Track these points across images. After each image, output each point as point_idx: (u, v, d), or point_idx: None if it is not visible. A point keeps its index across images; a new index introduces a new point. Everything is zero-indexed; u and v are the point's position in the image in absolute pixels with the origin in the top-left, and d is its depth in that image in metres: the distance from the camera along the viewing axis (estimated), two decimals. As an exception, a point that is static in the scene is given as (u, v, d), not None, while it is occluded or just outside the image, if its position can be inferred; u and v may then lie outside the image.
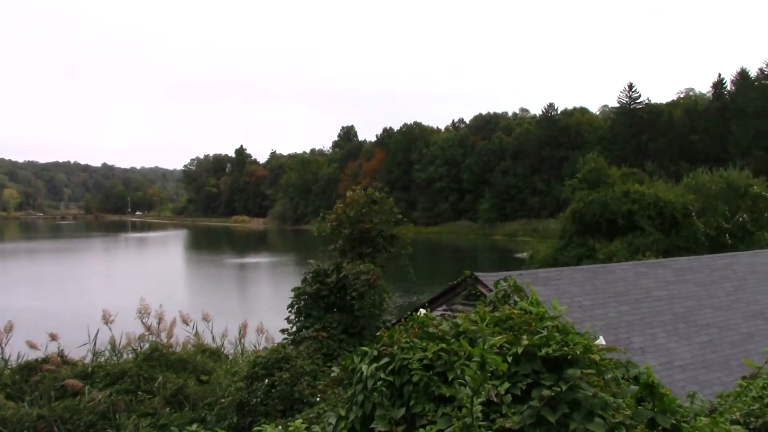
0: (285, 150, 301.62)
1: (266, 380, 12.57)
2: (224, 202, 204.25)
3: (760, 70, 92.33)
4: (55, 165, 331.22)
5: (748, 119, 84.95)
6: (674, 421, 3.97)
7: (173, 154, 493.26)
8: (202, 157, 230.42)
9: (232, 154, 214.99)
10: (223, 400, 13.43)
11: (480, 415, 3.49)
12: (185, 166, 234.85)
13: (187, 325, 21.04)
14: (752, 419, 6.74)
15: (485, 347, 3.55)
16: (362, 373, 4.29)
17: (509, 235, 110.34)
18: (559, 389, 3.69)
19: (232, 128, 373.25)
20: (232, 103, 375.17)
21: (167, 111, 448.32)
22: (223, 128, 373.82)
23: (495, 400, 3.57)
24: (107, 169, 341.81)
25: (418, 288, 42.52)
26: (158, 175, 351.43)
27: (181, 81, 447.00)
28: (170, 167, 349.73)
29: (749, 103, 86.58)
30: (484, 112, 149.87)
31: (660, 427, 3.95)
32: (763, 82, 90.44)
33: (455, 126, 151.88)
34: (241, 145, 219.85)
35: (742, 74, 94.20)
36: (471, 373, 3.45)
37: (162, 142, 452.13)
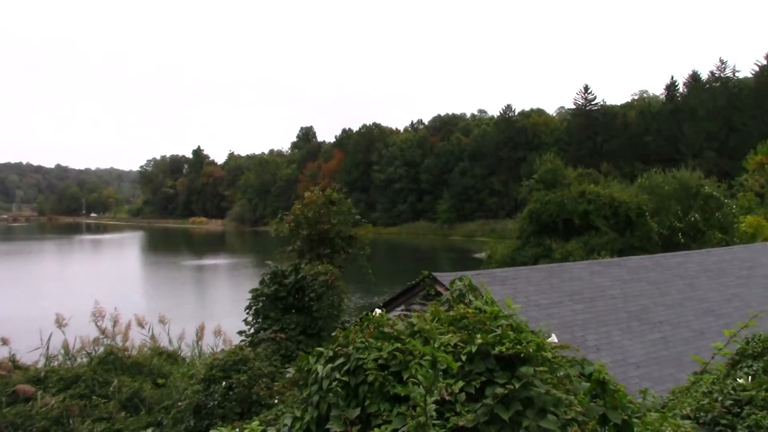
0: (243, 151, 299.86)
1: (223, 383, 12.46)
2: (181, 204, 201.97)
3: (711, 72, 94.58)
4: (7, 166, 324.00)
5: (700, 121, 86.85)
6: (625, 417, 4.03)
7: (129, 155, 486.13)
8: (158, 158, 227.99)
9: (189, 154, 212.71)
10: (179, 404, 13.27)
11: (434, 413, 3.50)
12: (141, 167, 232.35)
13: (143, 328, 20.76)
14: (702, 414, 6.89)
15: (436, 346, 3.57)
16: (317, 373, 4.28)
17: (468, 235, 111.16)
18: (512, 387, 3.73)
19: (189, 129, 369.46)
20: (189, 103, 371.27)
21: (123, 111, 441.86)
22: (180, 129, 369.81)
23: (446, 398, 3.58)
24: (61, 170, 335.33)
25: (378, 288, 42.55)
26: (114, 176, 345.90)
27: (137, 81, 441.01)
28: (126, 168, 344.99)
29: (701, 105, 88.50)
30: (442, 113, 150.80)
31: (611, 423, 4.01)
32: (713, 84, 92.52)
33: (414, 127, 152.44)
34: (199, 146, 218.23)
35: (694, 77, 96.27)
36: (423, 372, 3.47)
37: (118, 142, 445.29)
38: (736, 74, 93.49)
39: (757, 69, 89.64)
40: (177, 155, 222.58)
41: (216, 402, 12.29)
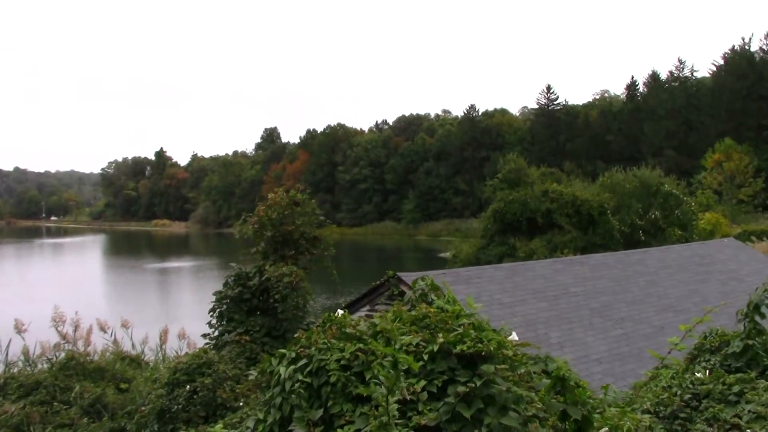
0: (207, 152, 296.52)
1: (188, 386, 12.33)
2: (144, 206, 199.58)
3: (670, 72, 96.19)
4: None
5: (660, 120, 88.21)
6: (585, 412, 4.09)
7: (90, 157, 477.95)
8: (120, 159, 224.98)
9: (151, 156, 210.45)
10: (143, 408, 13.11)
11: (396, 413, 3.52)
12: (103, 169, 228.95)
13: (105, 332, 20.48)
14: (661, 408, 7.01)
15: (397, 346, 3.59)
16: (280, 375, 4.27)
17: (433, 235, 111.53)
18: (473, 385, 3.76)
19: (152, 130, 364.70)
20: (151, 104, 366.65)
21: (83, 113, 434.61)
22: (142, 130, 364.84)
23: (408, 397, 3.61)
24: (20, 173, 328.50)
25: (344, 289, 42.53)
26: (74, 179, 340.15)
27: (97, 82, 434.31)
28: (87, 171, 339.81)
29: (660, 105, 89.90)
30: (407, 114, 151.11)
31: (572, 419, 4.07)
32: (672, 84, 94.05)
33: (379, 127, 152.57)
34: (161, 148, 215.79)
35: (654, 77, 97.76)
36: (385, 372, 3.49)
37: (78, 144, 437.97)
38: (695, 74, 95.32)
39: (714, 69, 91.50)
40: (139, 157, 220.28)
41: (180, 406, 12.16)
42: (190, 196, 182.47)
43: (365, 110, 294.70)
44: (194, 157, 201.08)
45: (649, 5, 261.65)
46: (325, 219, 19.76)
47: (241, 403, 11.90)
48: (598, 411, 4.73)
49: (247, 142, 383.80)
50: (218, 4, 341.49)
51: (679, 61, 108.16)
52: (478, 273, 16.16)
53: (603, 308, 15.81)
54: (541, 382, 4.19)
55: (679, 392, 7.20)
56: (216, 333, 16.13)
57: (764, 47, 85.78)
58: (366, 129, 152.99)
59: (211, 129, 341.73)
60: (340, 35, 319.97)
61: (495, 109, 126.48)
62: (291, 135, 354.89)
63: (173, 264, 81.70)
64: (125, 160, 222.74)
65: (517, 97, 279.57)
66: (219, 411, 12.05)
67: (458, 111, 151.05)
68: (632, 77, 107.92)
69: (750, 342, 8.10)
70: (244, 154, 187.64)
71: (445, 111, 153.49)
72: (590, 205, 34.75)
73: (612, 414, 4.53)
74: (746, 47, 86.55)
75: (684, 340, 5.88)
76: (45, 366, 17.62)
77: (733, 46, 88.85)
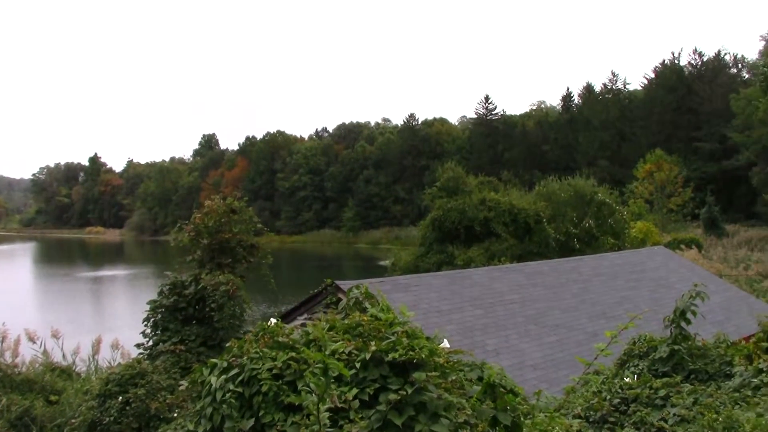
0: (143, 158, 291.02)
1: (120, 397, 12.07)
2: (77, 213, 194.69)
3: (604, 85, 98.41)
4: None
5: (594, 131, 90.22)
6: (514, 418, 4.15)
7: (20, 163, 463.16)
8: (52, 165, 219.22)
9: (85, 162, 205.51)
10: (73, 421, 12.77)
11: (327, 421, 3.52)
12: (34, 175, 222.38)
13: (34, 343, 19.85)
14: (591, 413, 7.17)
15: (327, 353, 3.59)
16: (211, 385, 4.22)
17: (372, 242, 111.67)
18: (405, 393, 3.79)
19: (85, 135, 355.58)
20: (85, 108, 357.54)
21: (13, 116, 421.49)
22: (75, 135, 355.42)
23: (337, 405, 3.60)
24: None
25: (284, 297, 42.26)
26: (3, 184, 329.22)
27: (28, 84, 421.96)
28: (17, 176, 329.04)
29: (595, 116, 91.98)
30: (347, 121, 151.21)
31: (502, 424, 4.13)
32: (606, 96, 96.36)
33: (318, 135, 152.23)
34: (95, 153, 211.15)
35: (588, 89, 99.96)
36: (315, 380, 3.48)
37: (7, 149, 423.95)
38: (627, 87, 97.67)
39: (645, 82, 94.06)
40: (72, 162, 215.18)
41: (112, 418, 11.89)
42: (125, 203, 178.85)
43: (305, 117, 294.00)
44: (130, 163, 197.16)
45: (584, 19, 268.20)
46: (263, 227, 19.63)
47: (175, 414, 11.71)
48: (528, 417, 4.81)
49: (185, 149, 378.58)
50: (154, 7, 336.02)
51: (613, 73, 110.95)
52: (416, 281, 16.27)
53: (538, 315, 16.08)
54: (472, 389, 4.24)
55: (608, 397, 7.38)
56: (150, 343, 15.85)
57: (693, 62, 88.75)
58: (306, 136, 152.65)
59: (147, 134, 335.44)
60: (279, 42, 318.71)
61: (434, 118, 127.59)
62: (230, 141, 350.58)
63: (107, 272, 79.84)
64: (57, 165, 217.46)
65: (456, 107, 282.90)
66: (152, 422, 11.83)
67: (398, 119, 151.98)
68: (568, 89, 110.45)
69: (676, 347, 8.36)
70: (181, 161, 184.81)
71: (385, 119, 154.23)
72: (527, 213, 35.29)
73: (541, 419, 4.61)
74: (676, 61, 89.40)
75: (610, 346, 6.02)
76: (-31, 378, 16.97)
77: (664, 61, 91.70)
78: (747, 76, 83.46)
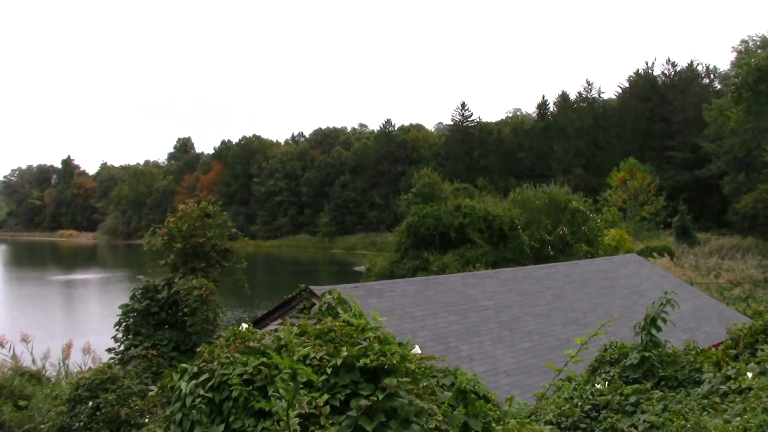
0: (117, 161, 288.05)
1: (90, 403, 11.94)
2: (49, 216, 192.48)
3: (579, 93, 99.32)
4: None
5: (569, 139, 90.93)
6: (485, 424, 4.17)
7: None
8: (24, 167, 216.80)
9: (57, 164, 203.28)
10: (42, 426, 12.64)
11: (297, 427, 3.50)
12: (5, 176, 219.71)
13: (3, 347, 19.58)
14: (563, 419, 7.22)
15: (296, 359, 3.58)
16: (181, 390, 4.19)
17: (348, 248, 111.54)
18: (376, 398, 3.78)
19: (58, 137, 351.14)
20: (58, 110, 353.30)
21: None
22: (48, 137, 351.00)
23: (306, 410, 3.59)
24: None
25: (258, 302, 42.11)
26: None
27: None
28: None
29: (569, 124, 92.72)
30: (323, 127, 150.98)
31: (473, 431, 4.14)
32: (581, 104, 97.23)
33: (295, 139, 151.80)
34: (69, 156, 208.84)
35: (563, 97, 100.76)
36: (284, 385, 3.46)
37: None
38: (602, 95, 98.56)
39: (620, 91, 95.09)
40: (45, 165, 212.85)
41: (82, 423, 11.77)
42: (98, 206, 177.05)
43: (281, 122, 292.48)
44: (103, 166, 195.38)
45: (558, 27, 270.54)
46: (237, 231, 19.54)
47: (146, 420, 11.61)
48: (499, 423, 4.83)
49: (160, 152, 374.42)
50: (128, 9, 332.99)
51: (587, 82, 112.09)
52: (390, 287, 16.29)
53: (512, 321, 16.16)
54: (444, 395, 4.25)
55: (580, 403, 7.44)
56: (122, 347, 15.73)
57: (666, 72, 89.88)
58: (282, 141, 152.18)
59: (121, 137, 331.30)
60: (255, 46, 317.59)
61: (411, 125, 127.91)
62: (205, 145, 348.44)
63: (79, 276, 78.96)
64: (29, 167, 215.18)
65: (433, 113, 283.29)
66: (123, 428, 11.72)
67: (375, 125, 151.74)
68: (543, 97, 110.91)
69: (646, 354, 8.45)
70: (156, 164, 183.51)
71: (361, 125, 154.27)
72: (502, 220, 35.47)
73: (513, 425, 4.63)
74: (650, 71, 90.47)
75: (584, 352, 6.07)
76: (-65, 383, 16.68)
77: (638, 70, 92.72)
78: (719, 86, 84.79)
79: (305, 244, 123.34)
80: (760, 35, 68.96)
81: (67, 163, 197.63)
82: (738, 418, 5.72)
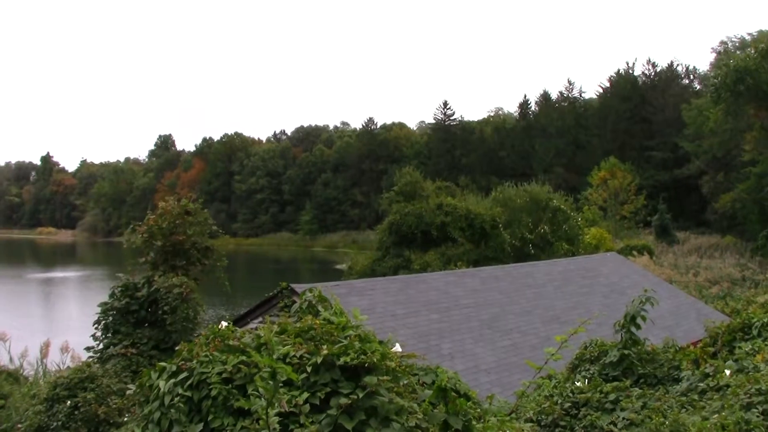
0: (96, 158, 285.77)
1: (68, 402, 11.85)
2: (28, 213, 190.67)
3: (560, 93, 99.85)
4: None
5: (550, 138, 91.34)
6: (465, 422, 4.17)
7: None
8: (2, 164, 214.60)
9: (36, 161, 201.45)
10: (19, 426, 12.51)
11: (277, 426, 3.48)
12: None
13: (-20, 346, 19.42)
14: (543, 416, 7.25)
15: (275, 357, 3.56)
16: (159, 389, 4.15)
17: (330, 246, 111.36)
18: (356, 397, 3.77)
19: (37, 134, 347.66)
20: (37, 106, 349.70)
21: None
22: (27, 134, 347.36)
23: (285, 409, 3.57)
24: None
25: (240, 300, 41.96)
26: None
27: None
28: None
29: (551, 123, 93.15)
30: (305, 125, 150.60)
31: (453, 428, 4.14)
32: (562, 104, 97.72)
33: (277, 137, 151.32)
34: (48, 152, 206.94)
35: (545, 96, 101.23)
36: (263, 384, 3.44)
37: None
38: (583, 95, 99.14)
39: (601, 91, 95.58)
40: (23, 162, 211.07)
41: (60, 422, 11.67)
42: (78, 204, 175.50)
43: (263, 120, 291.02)
44: (83, 163, 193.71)
45: (541, 27, 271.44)
46: (218, 229, 19.46)
47: (125, 419, 11.53)
48: (480, 421, 4.83)
49: (140, 149, 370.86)
50: (109, 5, 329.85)
51: (569, 82, 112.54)
52: (372, 285, 16.28)
53: (493, 320, 16.21)
54: (424, 393, 4.25)
55: (560, 401, 7.47)
56: (101, 346, 15.60)
57: (646, 72, 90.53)
58: (264, 139, 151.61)
59: (101, 134, 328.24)
60: (237, 43, 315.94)
61: (393, 123, 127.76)
62: (186, 143, 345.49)
63: (58, 274, 78.26)
64: (8, 164, 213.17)
65: (415, 112, 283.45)
66: (102, 427, 11.64)
67: (357, 123, 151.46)
68: (525, 96, 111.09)
69: (626, 352, 8.51)
70: (136, 161, 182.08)
71: (343, 123, 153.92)
72: (483, 219, 35.59)
73: (493, 423, 4.64)
74: (630, 71, 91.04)
75: (564, 350, 6.09)
76: None
77: (618, 70, 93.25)
78: (698, 87, 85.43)
79: (286, 242, 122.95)
80: (739, 37, 69.57)
81: (46, 160, 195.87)
82: (716, 415, 5.77)
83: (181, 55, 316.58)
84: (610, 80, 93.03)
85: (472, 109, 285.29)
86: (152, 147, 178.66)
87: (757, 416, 5.56)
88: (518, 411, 7.44)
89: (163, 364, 4.38)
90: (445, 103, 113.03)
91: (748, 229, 55.88)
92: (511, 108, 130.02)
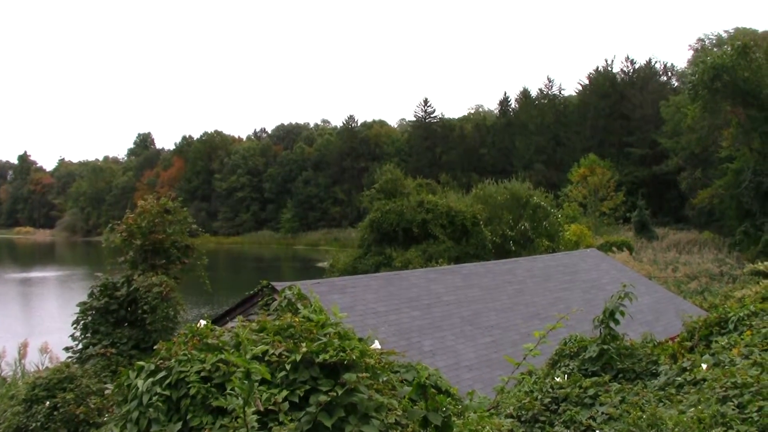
0: (75, 157, 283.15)
1: (47, 402, 11.77)
2: (5, 213, 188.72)
3: (540, 90, 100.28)
4: None
5: (530, 135, 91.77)
6: (445, 418, 4.18)
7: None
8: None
9: (14, 160, 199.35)
10: (-3, 427, 12.39)
11: (255, 424, 3.48)
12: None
13: (-44, 347, 19.20)
14: (523, 412, 7.30)
15: (248, 356, 3.55)
16: (137, 388, 4.13)
17: (311, 244, 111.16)
18: (335, 394, 3.77)
19: (14, 132, 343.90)
20: (14, 105, 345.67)
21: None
22: (3, 132, 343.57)
23: (260, 408, 3.56)
24: None
25: (222, 299, 41.79)
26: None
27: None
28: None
29: (531, 120, 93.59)
30: (286, 122, 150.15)
31: (432, 425, 4.15)
32: (542, 101, 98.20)
33: (257, 135, 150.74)
34: (25, 151, 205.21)
35: (525, 94, 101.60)
36: (239, 382, 3.44)
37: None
38: (562, 92, 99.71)
39: (580, 88, 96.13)
40: (0, 160, 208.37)
41: (39, 423, 11.59)
42: (56, 203, 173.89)
43: (243, 118, 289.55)
44: (61, 162, 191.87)
45: (520, 25, 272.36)
46: (198, 227, 19.38)
47: (104, 419, 11.48)
48: (460, 417, 4.85)
49: (119, 148, 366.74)
50: (87, 2, 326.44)
51: (548, 79, 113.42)
52: (353, 282, 16.28)
53: (474, 316, 16.26)
54: (404, 390, 4.26)
55: (540, 396, 7.52)
56: (80, 346, 15.50)
57: (625, 69, 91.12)
58: (244, 137, 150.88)
59: (79, 133, 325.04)
60: (217, 41, 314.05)
61: (374, 120, 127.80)
62: (166, 141, 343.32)
63: (37, 274, 77.54)
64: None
65: (396, 109, 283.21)
66: (81, 427, 11.58)
67: (337, 121, 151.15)
68: (505, 93, 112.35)
69: (605, 347, 8.58)
70: (115, 160, 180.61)
71: (324, 121, 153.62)
72: (464, 216, 35.69)
73: (472, 419, 4.66)
74: (609, 68, 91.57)
75: (542, 346, 6.14)
76: None
77: (597, 67, 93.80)
78: (676, 84, 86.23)
79: (268, 241, 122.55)
80: (716, 34, 70.39)
81: (24, 158, 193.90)
82: (692, 409, 5.83)
83: (160, 53, 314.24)
84: (589, 77, 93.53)
85: (452, 107, 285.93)
86: (131, 145, 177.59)
87: (733, 409, 5.62)
88: (499, 407, 7.48)
89: (141, 363, 4.37)
90: (426, 101, 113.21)
91: (726, 224, 56.48)
92: (492, 105, 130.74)
